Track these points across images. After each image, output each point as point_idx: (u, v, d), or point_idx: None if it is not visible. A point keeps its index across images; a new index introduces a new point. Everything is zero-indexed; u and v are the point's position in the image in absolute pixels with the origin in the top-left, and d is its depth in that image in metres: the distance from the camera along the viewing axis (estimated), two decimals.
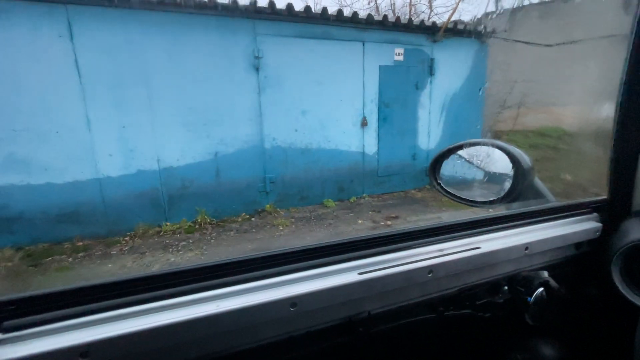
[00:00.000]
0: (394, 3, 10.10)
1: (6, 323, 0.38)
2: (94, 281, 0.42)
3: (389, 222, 4.63)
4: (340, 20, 4.77)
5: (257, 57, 4.47)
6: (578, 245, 0.80)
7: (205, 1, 4.00)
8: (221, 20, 4.24)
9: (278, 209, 4.99)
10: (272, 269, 0.50)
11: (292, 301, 0.48)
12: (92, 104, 3.83)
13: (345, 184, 5.49)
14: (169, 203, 4.40)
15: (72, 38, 3.64)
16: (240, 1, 4.13)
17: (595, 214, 0.81)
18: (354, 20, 4.85)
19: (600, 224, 0.79)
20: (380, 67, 5.29)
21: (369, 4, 10.12)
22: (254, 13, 4.31)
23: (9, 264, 3.47)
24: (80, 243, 3.99)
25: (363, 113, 5.36)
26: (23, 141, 3.62)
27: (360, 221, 4.70)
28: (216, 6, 4.06)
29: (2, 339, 0.37)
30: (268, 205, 4.93)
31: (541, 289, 0.68)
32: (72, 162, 3.86)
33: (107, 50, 3.80)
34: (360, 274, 0.53)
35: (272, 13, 4.37)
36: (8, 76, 3.46)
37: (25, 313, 0.39)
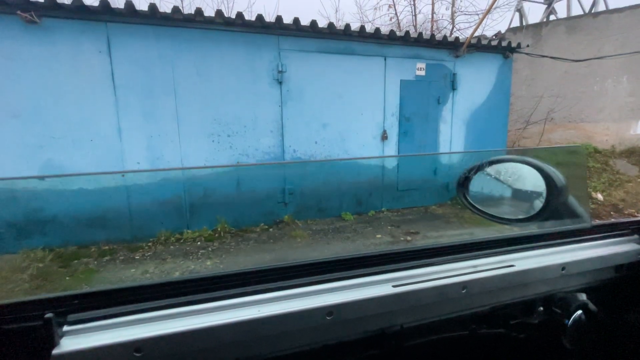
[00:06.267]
0: (416, 18, 10.20)
1: (71, 316, 0.41)
2: (148, 281, 0.45)
3: (408, 238, 4.55)
4: (362, 36, 4.85)
5: (280, 72, 4.60)
6: (618, 267, 0.76)
7: (233, 18, 4.18)
8: (247, 36, 4.41)
9: (296, 221, 5.02)
10: (311, 277, 0.52)
11: (329, 310, 0.49)
12: (124, 114, 4.04)
13: (364, 197, 5.46)
14: (191, 211, 4.51)
15: (110, 53, 3.88)
16: (266, 18, 4.30)
17: (636, 236, 0.78)
18: (376, 36, 4.92)
19: None
20: (401, 81, 5.31)
21: (390, 20, 10.27)
22: (279, 29, 4.47)
23: (41, 264, 3.63)
24: (106, 247, 4.13)
25: (383, 127, 5.37)
26: (60, 148, 3.85)
27: (378, 235, 4.64)
28: (244, 23, 4.23)
29: (67, 330, 0.40)
30: (286, 217, 4.96)
31: (580, 311, 0.66)
32: (103, 169, 4.05)
33: (141, 64, 4.02)
34: (394, 286, 0.54)
35: (296, 29, 4.51)
36: (52, 88, 3.72)
37: (87, 308, 0.42)
